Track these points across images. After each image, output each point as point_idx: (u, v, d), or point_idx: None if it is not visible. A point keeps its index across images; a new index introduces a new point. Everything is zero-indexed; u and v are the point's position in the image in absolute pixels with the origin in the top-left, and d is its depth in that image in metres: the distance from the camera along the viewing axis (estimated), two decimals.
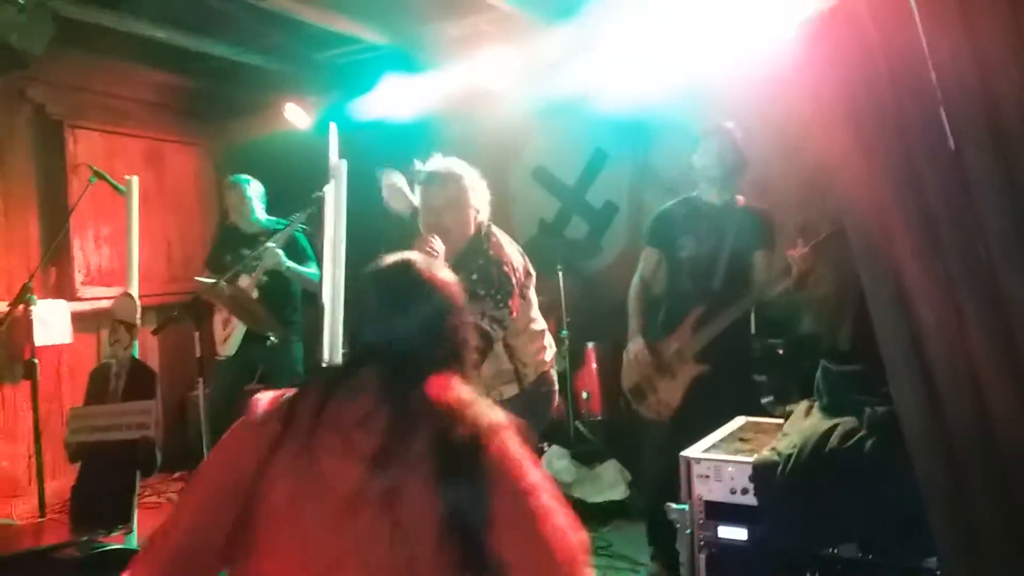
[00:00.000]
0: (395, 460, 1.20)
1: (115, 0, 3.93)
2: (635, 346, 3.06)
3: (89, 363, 4.35)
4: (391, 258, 1.43)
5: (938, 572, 1.78)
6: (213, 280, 3.69)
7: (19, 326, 3.98)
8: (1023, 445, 1.51)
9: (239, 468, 1.28)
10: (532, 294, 2.66)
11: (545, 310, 2.90)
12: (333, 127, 3.19)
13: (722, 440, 2.28)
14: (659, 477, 2.87)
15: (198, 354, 3.43)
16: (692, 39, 3.51)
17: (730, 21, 3.26)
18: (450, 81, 4.25)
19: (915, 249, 1.59)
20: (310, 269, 3.89)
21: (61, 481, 4.00)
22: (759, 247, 3.00)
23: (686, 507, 2.07)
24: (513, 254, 2.57)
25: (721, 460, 2.06)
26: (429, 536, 1.17)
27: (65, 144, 4.64)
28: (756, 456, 2.02)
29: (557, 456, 4.14)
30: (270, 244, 3.72)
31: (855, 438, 1.91)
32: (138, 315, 3.76)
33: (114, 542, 3.18)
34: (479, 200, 2.56)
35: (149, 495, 4.09)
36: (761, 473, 1.95)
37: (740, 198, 3.07)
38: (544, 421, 2.80)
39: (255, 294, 3.89)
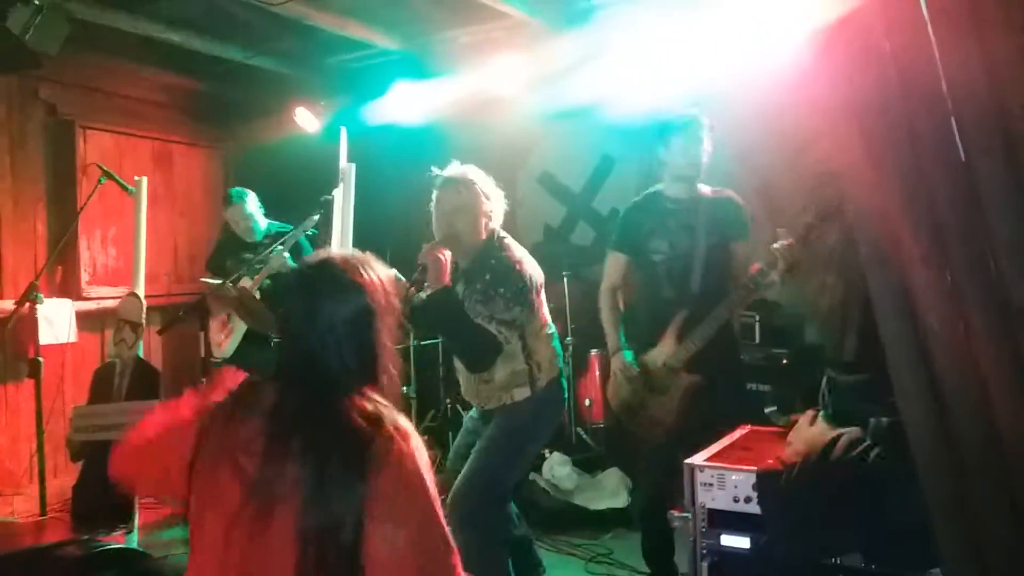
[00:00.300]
0: (267, 486, 1.22)
1: (128, 2, 3.96)
2: (618, 363, 2.89)
3: (93, 362, 4.36)
4: (315, 256, 1.41)
5: None
6: (219, 281, 3.70)
7: (24, 324, 3.99)
8: None
9: (183, 436, 1.35)
10: (544, 298, 2.67)
11: (550, 316, 2.89)
12: (344, 131, 3.22)
13: (725, 449, 2.27)
14: (655, 496, 2.85)
15: (203, 354, 3.44)
16: (701, 47, 3.52)
17: (739, 29, 3.27)
18: (460, 87, 4.27)
19: (923, 258, 1.58)
20: None
21: (63, 479, 4.01)
22: (735, 238, 2.85)
23: (689, 515, 2.06)
24: (525, 257, 2.60)
25: (725, 468, 2.05)
26: (293, 561, 1.18)
27: (76, 144, 4.67)
28: (760, 465, 2.01)
29: (559, 463, 4.13)
30: (278, 247, 3.73)
31: (860, 448, 1.90)
32: (143, 315, 3.77)
33: (115, 541, 3.19)
34: (492, 207, 2.60)
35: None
36: (765, 482, 1.94)
37: (705, 188, 2.89)
38: (550, 428, 2.77)
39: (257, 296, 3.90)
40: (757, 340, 3.85)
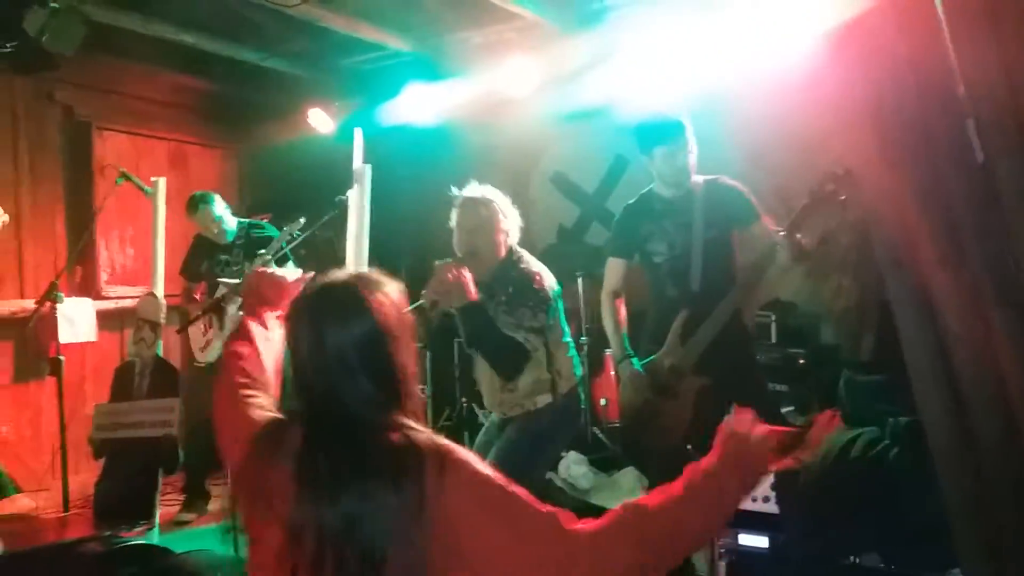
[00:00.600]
0: (306, 532, 1.15)
1: (143, 4, 4.00)
2: (626, 371, 2.82)
3: (112, 361, 4.41)
4: (312, 283, 1.32)
5: None
6: (237, 281, 3.74)
7: (45, 324, 4.05)
8: None
9: (244, 424, 1.32)
10: (560, 307, 2.70)
11: (565, 316, 2.91)
12: (358, 132, 3.23)
13: None
14: None
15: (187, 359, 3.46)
16: (713, 47, 3.52)
17: (752, 30, 3.26)
18: (473, 88, 4.28)
19: (942, 259, 1.58)
20: None
21: (84, 477, 4.06)
22: (739, 225, 2.76)
23: None
24: (543, 269, 2.66)
25: None
26: None
27: (92, 145, 4.72)
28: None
29: (575, 462, 4.15)
30: (261, 252, 3.75)
31: (878, 448, 1.90)
32: (163, 314, 3.82)
33: (136, 537, 3.23)
34: (509, 225, 2.68)
35: (170, 492, 4.14)
36: (783, 481, 1.95)
37: (699, 178, 2.81)
38: (569, 436, 2.84)
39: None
40: (773, 340, 3.84)
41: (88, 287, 4.65)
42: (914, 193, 1.62)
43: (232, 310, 3.50)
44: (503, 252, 2.64)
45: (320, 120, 4.83)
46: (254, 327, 1.53)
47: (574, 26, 4.07)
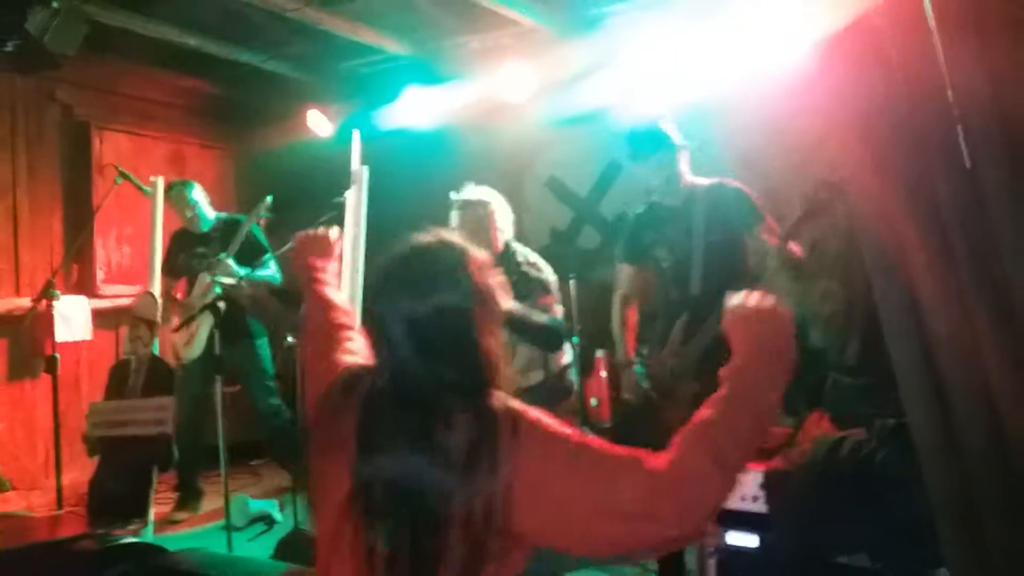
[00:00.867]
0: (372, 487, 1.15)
1: (145, 5, 4.02)
2: (629, 376, 2.88)
3: (108, 359, 4.42)
4: (395, 248, 1.26)
5: None
6: (234, 281, 3.75)
7: (41, 322, 4.05)
8: None
9: (324, 375, 1.34)
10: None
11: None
12: (356, 134, 3.27)
13: None
14: None
15: (216, 352, 3.49)
16: (708, 54, 3.55)
17: (746, 36, 3.30)
18: (470, 93, 4.31)
19: (929, 264, 1.60)
20: (267, 271, 3.85)
21: (78, 474, 4.06)
22: (743, 229, 2.75)
23: None
24: (537, 257, 2.97)
25: None
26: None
27: (91, 145, 4.74)
28: (767, 464, 2.04)
29: None
30: (221, 256, 3.76)
31: (866, 449, 1.93)
32: (159, 313, 3.83)
33: (130, 535, 3.23)
34: (503, 221, 2.95)
35: (165, 490, 4.13)
36: (773, 481, 1.98)
37: (703, 181, 2.83)
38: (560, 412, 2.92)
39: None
40: None
41: (84, 285, 4.66)
42: (903, 197, 1.64)
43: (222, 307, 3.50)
44: (500, 247, 2.89)
45: (318, 122, 4.85)
46: (323, 280, 1.59)
47: (570, 32, 4.10)
